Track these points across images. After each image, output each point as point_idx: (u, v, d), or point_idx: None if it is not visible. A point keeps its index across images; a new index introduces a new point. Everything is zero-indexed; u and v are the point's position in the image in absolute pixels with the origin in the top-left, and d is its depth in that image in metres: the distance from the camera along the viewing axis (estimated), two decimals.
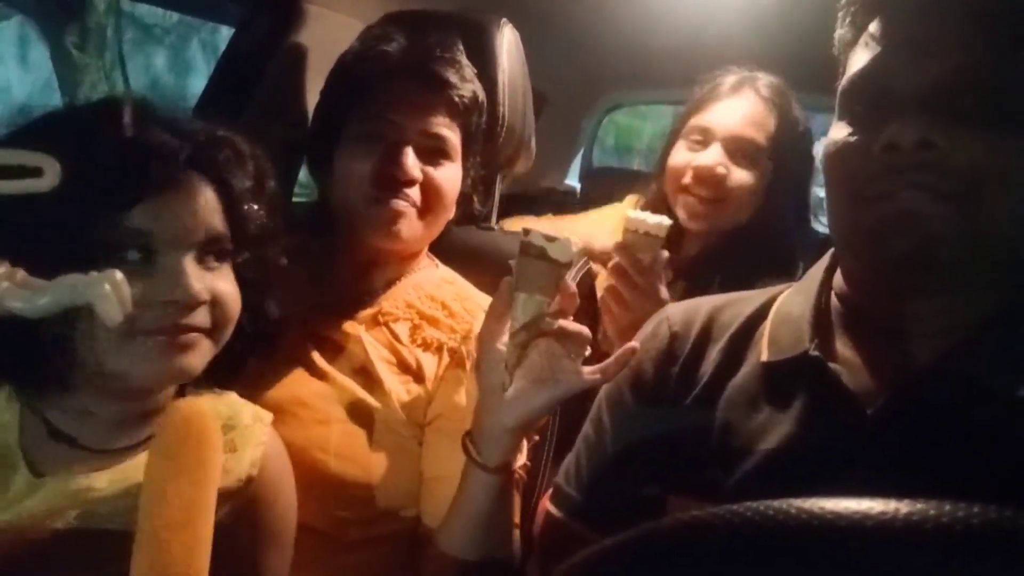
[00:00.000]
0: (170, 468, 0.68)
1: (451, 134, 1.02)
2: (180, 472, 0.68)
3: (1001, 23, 0.60)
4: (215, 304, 0.73)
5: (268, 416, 0.85)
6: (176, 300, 0.69)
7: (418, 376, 0.98)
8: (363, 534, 0.95)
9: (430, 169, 1.00)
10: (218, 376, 0.81)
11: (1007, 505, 0.29)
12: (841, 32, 0.70)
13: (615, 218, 1.42)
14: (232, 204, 0.75)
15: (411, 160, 0.98)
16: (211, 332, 0.73)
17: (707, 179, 1.23)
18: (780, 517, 0.32)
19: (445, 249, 1.17)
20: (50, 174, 0.60)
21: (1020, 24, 0.60)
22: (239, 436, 0.81)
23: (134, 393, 0.75)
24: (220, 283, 0.74)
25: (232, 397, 0.85)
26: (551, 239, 0.79)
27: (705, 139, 1.26)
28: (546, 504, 0.86)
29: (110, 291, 0.60)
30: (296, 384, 0.98)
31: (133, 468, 0.74)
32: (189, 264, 0.70)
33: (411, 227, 1.01)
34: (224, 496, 0.75)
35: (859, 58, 0.66)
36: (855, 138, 0.65)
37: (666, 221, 1.11)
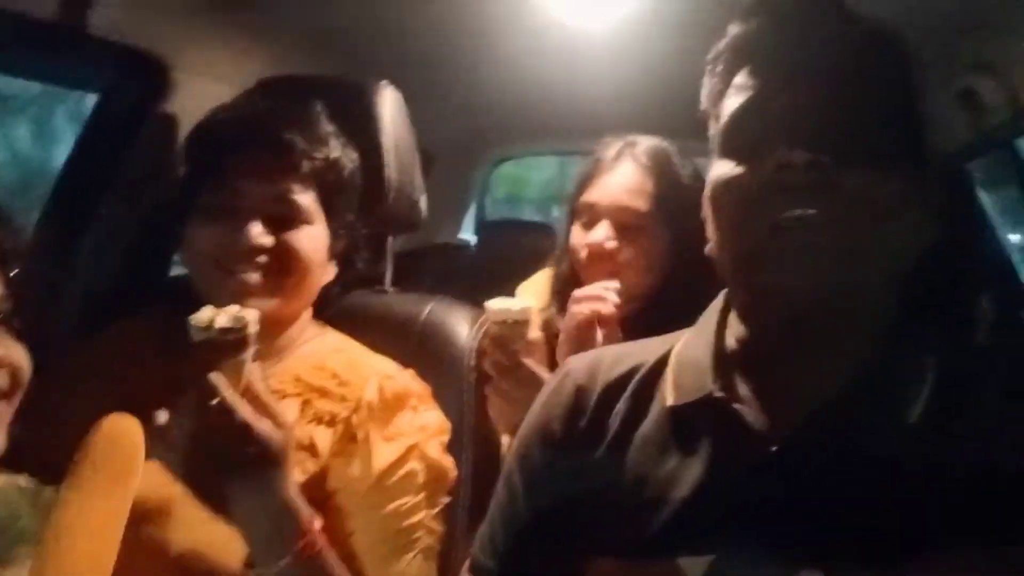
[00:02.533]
0: (93, 479, 0.70)
1: (303, 197, 0.99)
2: (103, 482, 0.71)
3: (862, 62, 0.64)
4: (9, 367, 0.71)
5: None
6: None
7: (312, 451, 0.93)
8: None
9: (284, 234, 0.97)
10: None
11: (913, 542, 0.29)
12: (711, 83, 0.72)
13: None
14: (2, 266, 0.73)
15: (256, 228, 0.94)
16: (5, 396, 0.71)
17: (599, 256, 1.24)
18: None
19: (338, 314, 1.13)
20: None
21: (878, 65, 0.64)
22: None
23: None
24: (8, 346, 0.71)
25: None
26: None
27: (592, 216, 1.27)
28: None
29: None
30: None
31: None
32: None
33: (263, 297, 0.95)
34: None
35: (733, 101, 0.68)
36: (741, 169, 0.66)
37: (529, 304, 1.12)
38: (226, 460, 0.76)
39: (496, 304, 1.10)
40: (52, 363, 1.03)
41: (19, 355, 0.72)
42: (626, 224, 1.24)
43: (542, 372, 1.10)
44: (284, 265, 0.96)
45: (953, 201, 0.67)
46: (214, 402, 0.75)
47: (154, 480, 0.89)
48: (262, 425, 0.77)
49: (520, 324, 1.09)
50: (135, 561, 0.86)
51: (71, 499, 0.68)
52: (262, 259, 0.95)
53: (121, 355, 1.03)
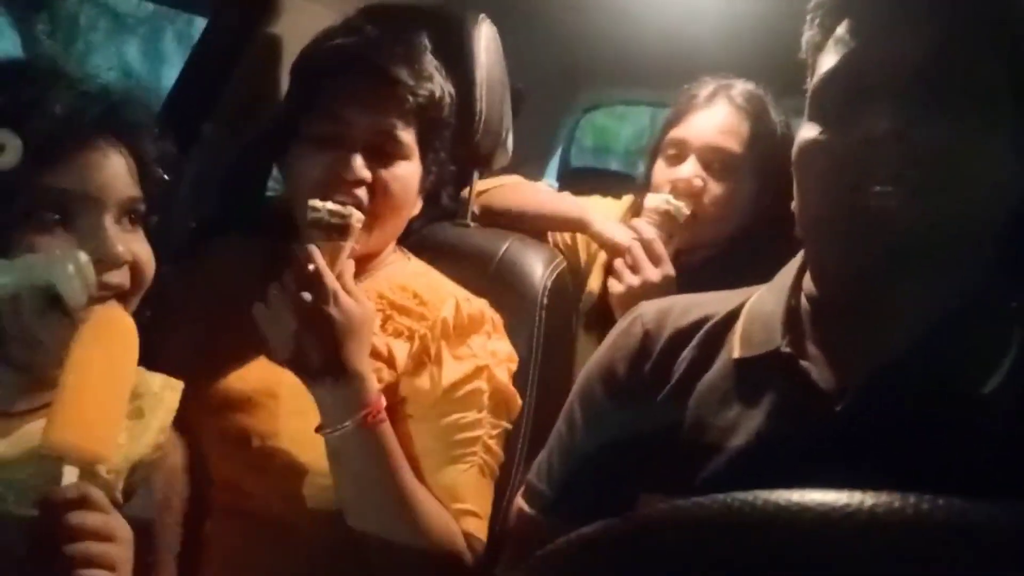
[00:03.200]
0: (97, 344, 0.71)
1: (405, 133, 1.01)
2: (105, 347, 0.71)
3: (966, 15, 0.61)
4: (134, 266, 0.75)
5: (179, 384, 0.85)
6: (99, 259, 0.70)
7: (389, 363, 0.98)
8: (335, 525, 0.94)
9: (381, 170, 0.99)
10: None
11: (970, 497, 0.30)
12: (810, 34, 0.70)
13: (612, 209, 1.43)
14: (143, 167, 0.77)
15: (358, 161, 0.97)
16: (126, 295, 0.75)
17: (685, 193, 1.22)
18: (747, 509, 0.32)
19: (419, 245, 1.16)
20: (11, 150, 0.59)
21: (983, 15, 0.61)
22: (146, 403, 0.81)
23: (47, 360, 0.74)
24: (138, 245, 0.75)
25: (140, 369, 0.83)
26: None
27: (681, 152, 1.25)
28: (518, 501, 0.86)
29: (74, 272, 0.60)
30: (266, 374, 0.97)
31: (33, 432, 0.73)
32: (109, 224, 0.72)
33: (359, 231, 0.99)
34: (135, 463, 0.78)
35: (828, 58, 0.66)
36: (827, 134, 0.65)
37: (685, 209, 1.19)
38: (311, 321, 0.83)
39: (656, 198, 1.21)
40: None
41: (145, 255, 0.76)
42: (715, 164, 1.22)
43: (670, 270, 1.16)
44: (379, 200, 0.99)
45: None
46: (311, 267, 0.85)
47: (242, 373, 0.97)
48: (346, 296, 0.85)
49: (671, 215, 1.19)
50: (219, 448, 0.94)
51: (85, 356, 0.71)
52: (360, 191, 0.98)
53: (221, 276, 1.09)
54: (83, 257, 0.63)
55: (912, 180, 0.60)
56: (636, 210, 1.33)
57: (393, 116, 0.99)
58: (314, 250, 0.86)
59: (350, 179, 0.97)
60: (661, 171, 1.27)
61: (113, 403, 0.72)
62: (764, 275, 0.80)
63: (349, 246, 0.90)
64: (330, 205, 0.89)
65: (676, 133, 1.26)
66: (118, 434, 0.73)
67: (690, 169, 1.22)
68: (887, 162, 0.60)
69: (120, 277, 0.73)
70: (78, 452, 0.68)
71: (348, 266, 0.90)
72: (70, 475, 0.67)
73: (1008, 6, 0.63)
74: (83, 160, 0.71)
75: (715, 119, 1.24)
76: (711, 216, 1.23)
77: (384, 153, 1.00)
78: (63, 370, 0.71)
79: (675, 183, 1.23)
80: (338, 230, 0.89)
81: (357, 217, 0.90)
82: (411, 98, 0.99)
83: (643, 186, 1.34)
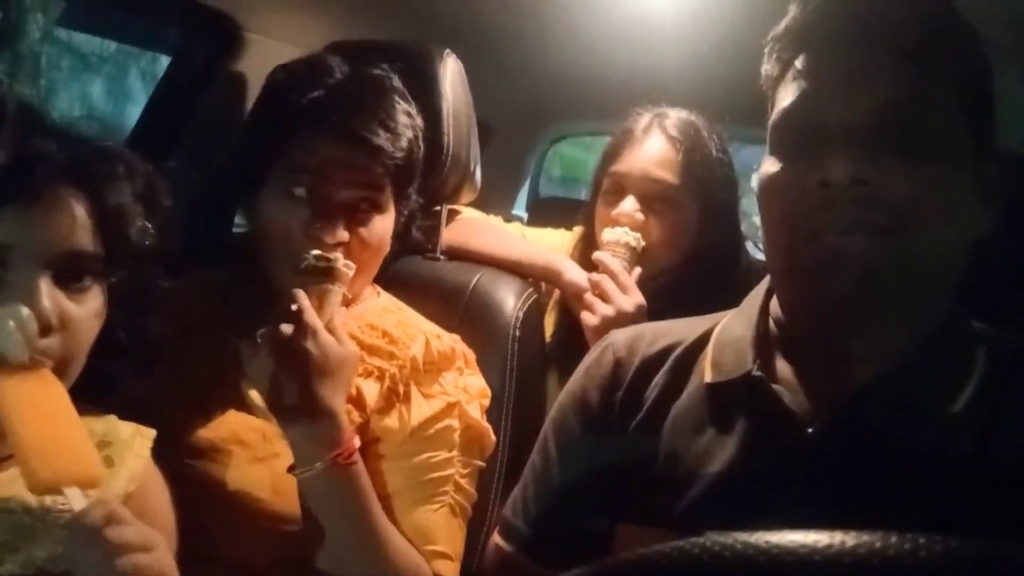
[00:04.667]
0: (17, 390, 0.65)
1: (383, 194, 1.00)
2: (40, 389, 0.66)
3: (924, 59, 0.62)
4: (64, 331, 0.68)
5: (150, 432, 0.81)
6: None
7: (359, 404, 0.96)
8: (303, 572, 0.91)
9: (360, 228, 0.98)
10: (96, 399, 0.77)
11: (949, 532, 0.29)
12: (767, 68, 0.71)
13: (564, 240, 1.45)
14: (108, 221, 0.72)
15: (339, 226, 0.95)
16: (60, 363, 0.69)
17: (628, 226, 1.24)
18: (726, 554, 0.31)
19: (390, 279, 1.15)
20: None
21: (942, 59, 0.62)
22: (116, 452, 0.77)
23: None
24: (76, 307, 0.69)
25: (110, 418, 0.80)
26: None
27: (621, 186, 1.27)
28: (495, 538, 0.85)
29: (14, 328, 0.57)
30: (232, 421, 0.95)
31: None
32: (44, 283, 0.66)
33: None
34: None
35: (787, 94, 0.67)
36: (787, 173, 0.66)
37: (643, 240, 1.22)
38: (288, 356, 0.82)
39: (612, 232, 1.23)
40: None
41: (81, 320, 0.69)
42: (654, 196, 1.25)
43: (641, 299, 1.16)
44: (356, 256, 0.97)
45: (1015, 194, 0.65)
46: (294, 307, 0.85)
47: (210, 420, 0.95)
48: (326, 334, 0.84)
49: (631, 246, 1.20)
50: (189, 495, 0.91)
51: (14, 410, 0.65)
52: (340, 248, 0.96)
53: (187, 316, 1.05)
54: (24, 311, 0.59)
55: (871, 224, 0.60)
56: (587, 241, 1.35)
57: (371, 182, 0.98)
58: (299, 292, 0.87)
59: (331, 241, 0.95)
60: (604, 206, 1.29)
61: (76, 428, 0.68)
62: (718, 297, 0.81)
63: (339, 290, 0.91)
64: (316, 251, 0.90)
65: (615, 168, 1.29)
66: (96, 454, 0.68)
67: (631, 204, 1.25)
68: (846, 206, 0.61)
69: (47, 343, 0.67)
70: (72, 479, 0.64)
71: (340, 312, 0.91)
72: (78, 498, 0.63)
73: (964, 52, 0.64)
74: (31, 212, 0.66)
75: (650, 151, 1.26)
76: (658, 246, 1.25)
77: (362, 209, 0.99)
78: (6, 421, 0.65)
79: (617, 217, 1.25)
80: (324, 273, 0.90)
81: (343, 262, 0.91)
82: (388, 161, 0.98)
83: (586, 221, 1.36)
